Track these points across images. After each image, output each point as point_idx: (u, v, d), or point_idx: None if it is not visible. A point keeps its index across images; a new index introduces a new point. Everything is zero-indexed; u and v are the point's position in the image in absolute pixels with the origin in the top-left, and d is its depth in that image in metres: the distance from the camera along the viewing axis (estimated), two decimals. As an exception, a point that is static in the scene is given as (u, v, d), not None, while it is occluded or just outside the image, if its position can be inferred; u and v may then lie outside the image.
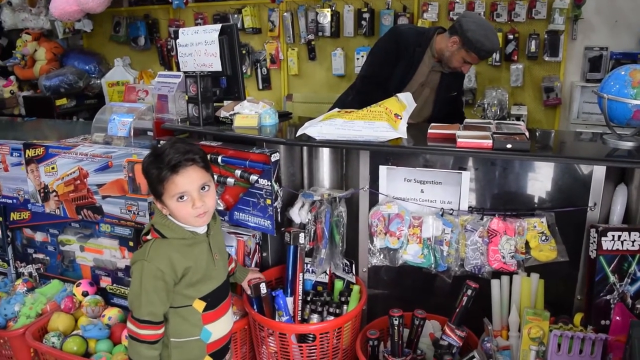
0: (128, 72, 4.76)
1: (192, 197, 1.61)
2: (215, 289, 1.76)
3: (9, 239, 2.86)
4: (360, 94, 2.94)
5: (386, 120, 2.08)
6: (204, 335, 1.74)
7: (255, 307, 2.19)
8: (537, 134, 2.39)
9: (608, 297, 1.88)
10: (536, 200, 2.03)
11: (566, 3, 3.60)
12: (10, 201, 2.77)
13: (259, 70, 4.69)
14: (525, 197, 2.05)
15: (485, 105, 3.91)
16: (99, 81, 4.86)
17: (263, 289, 2.11)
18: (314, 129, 2.14)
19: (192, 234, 1.69)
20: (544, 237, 1.96)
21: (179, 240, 1.67)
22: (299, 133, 2.17)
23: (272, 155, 2.14)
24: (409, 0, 4.09)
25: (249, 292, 2.12)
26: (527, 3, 3.74)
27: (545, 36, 3.73)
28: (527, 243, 1.99)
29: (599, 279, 1.87)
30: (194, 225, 1.68)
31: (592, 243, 1.88)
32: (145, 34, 4.89)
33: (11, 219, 2.82)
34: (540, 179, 2.02)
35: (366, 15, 4.15)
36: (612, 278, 1.87)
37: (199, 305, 1.72)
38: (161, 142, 1.69)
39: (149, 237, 1.68)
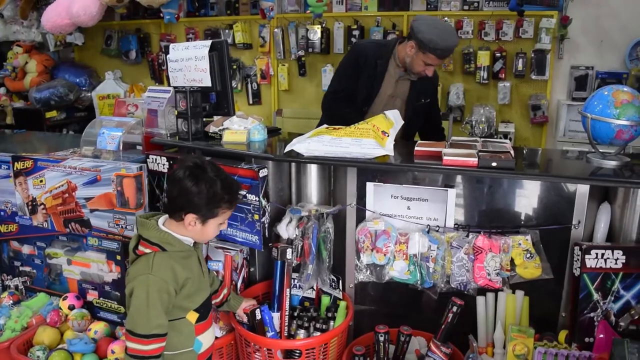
0: (119, 86, 4.77)
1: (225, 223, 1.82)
2: (206, 299, 1.83)
3: (-5, 252, 2.84)
4: (327, 110, 2.96)
5: (373, 138, 2.10)
6: (197, 346, 1.80)
7: (246, 326, 2.20)
8: (524, 152, 2.42)
9: (592, 314, 1.90)
10: (521, 217, 2.06)
11: (553, 23, 3.68)
12: (-3, 214, 2.76)
13: (249, 85, 4.73)
14: (510, 215, 2.07)
15: (473, 123, 3.96)
16: (89, 94, 4.87)
17: (258, 315, 2.13)
18: (302, 146, 2.16)
19: (189, 247, 1.76)
20: (528, 255, 1.98)
21: (177, 253, 1.72)
22: (287, 149, 2.19)
23: (260, 171, 2.16)
24: (398, 17, 4.16)
25: (245, 319, 2.13)
26: (514, 22, 3.82)
27: (532, 55, 3.81)
28: (512, 260, 2.01)
29: (582, 297, 1.90)
30: (201, 242, 1.84)
31: (576, 261, 1.91)
32: (136, 47, 4.92)
33: (-2, 232, 2.80)
34: (525, 197, 2.05)
35: (356, 32, 4.21)
36: (596, 296, 1.89)
37: (193, 316, 1.77)
38: (200, 161, 1.73)
39: (147, 250, 1.70)
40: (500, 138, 3.90)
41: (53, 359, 2.27)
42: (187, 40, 4.73)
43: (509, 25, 3.83)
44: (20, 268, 2.80)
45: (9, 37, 4.73)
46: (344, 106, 2.85)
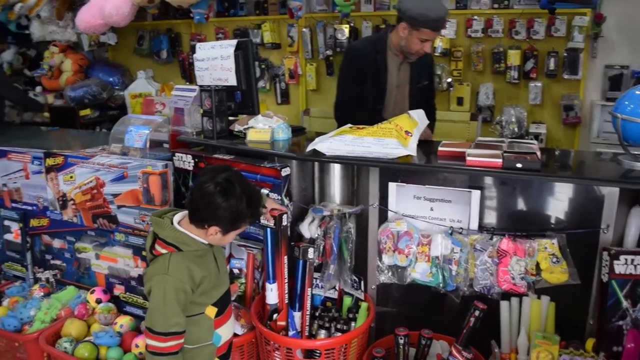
0: (150, 85, 4.83)
1: None
2: (224, 294, 1.86)
3: (28, 244, 2.92)
4: (340, 120, 2.88)
5: (396, 137, 2.08)
6: (216, 339, 1.83)
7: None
8: (553, 153, 2.36)
9: (620, 322, 1.84)
10: (547, 220, 2.01)
11: (586, 21, 3.57)
12: (30, 208, 2.84)
13: (277, 84, 4.74)
14: (536, 218, 2.02)
15: (503, 123, 3.88)
16: (122, 93, 4.96)
17: (284, 220, 2.11)
18: (324, 145, 2.16)
19: (204, 246, 1.77)
20: (555, 259, 1.93)
21: (193, 252, 1.74)
22: (309, 148, 2.19)
23: (283, 170, 2.16)
24: (427, 17, 4.09)
25: (271, 223, 2.09)
26: (546, 21, 3.72)
27: (565, 54, 3.70)
28: (537, 264, 1.96)
29: (611, 304, 1.84)
30: (215, 244, 1.82)
31: (604, 266, 1.85)
32: (167, 47, 4.99)
33: (31, 225, 2.88)
34: (551, 200, 1.99)
35: (384, 32, 4.17)
36: (625, 303, 1.83)
37: (211, 311, 1.80)
38: (229, 175, 1.71)
39: (163, 251, 1.73)
40: (531, 139, 3.81)
41: (79, 351, 2.33)
42: (217, 39, 4.77)
43: (541, 24, 3.73)
44: (51, 261, 2.89)
45: (46, 37, 4.86)
46: (356, 111, 2.82)
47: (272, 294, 2.18)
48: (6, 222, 2.92)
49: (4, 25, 4.79)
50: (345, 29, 4.27)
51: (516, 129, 3.87)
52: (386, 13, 4.22)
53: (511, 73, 3.90)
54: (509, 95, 4.03)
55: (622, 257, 1.80)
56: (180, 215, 1.78)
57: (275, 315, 2.19)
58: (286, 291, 2.19)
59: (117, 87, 5.01)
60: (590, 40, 3.68)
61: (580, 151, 3.08)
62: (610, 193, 1.87)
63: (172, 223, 1.74)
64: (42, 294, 2.75)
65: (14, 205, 2.88)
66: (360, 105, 2.85)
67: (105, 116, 4.97)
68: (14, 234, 2.91)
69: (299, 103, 4.76)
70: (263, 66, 4.70)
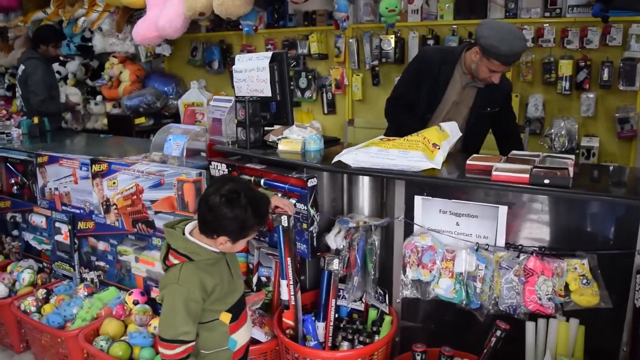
0: (202, 94, 5.01)
1: None
2: (238, 300, 1.87)
3: (75, 246, 3.09)
4: (389, 117, 2.94)
5: (422, 150, 2.05)
6: (231, 344, 1.84)
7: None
8: (599, 169, 2.24)
9: (655, 351, 1.73)
10: (578, 240, 1.91)
11: (644, 29, 3.38)
12: (78, 211, 3.01)
13: (324, 95, 4.77)
14: (566, 236, 1.93)
15: (553, 136, 3.72)
16: (176, 102, 5.16)
17: (284, 221, 2.11)
18: (350, 156, 2.16)
19: (216, 254, 1.78)
20: (585, 281, 1.83)
21: (204, 261, 1.76)
22: (334, 159, 2.20)
23: (309, 181, 2.18)
24: (475, 26, 4.00)
25: (271, 219, 2.10)
26: (600, 29, 3.55)
27: (621, 64, 3.51)
28: (567, 285, 1.87)
29: (644, 331, 1.73)
30: (226, 252, 1.83)
31: (637, 290, 1.74)
32: (219, 58, 5.14)
33: (78, 228, 3.05)
34: (583, 218, 1.90)
35: (430, 42, 4.12)
36: (661, 331, 1.72)
37: (226, 317, 1.82)
38: (234, 186, 1.72)
39: (175, 261, 1.76)
40: (583, 153, 3.65)
41: (114, 350, 2.44)
42: (267, 50, 4.87)
43: (595, 33, 3.56)
44: (96, 262, 3.04)
45: (107, 49, 5.15)
46: (404, 113, 2.81)
47: (284, 290, 2.21)
48: (57, 224, 3.11)
49: (59, 31, 5.01)
50: (391, 39, 4.25)
51: (566, 142, 3.70)
52: (433, 23, 4.17)
53: (562, 84, 3.73)
54: (560, 106, 3.86)
55: (657, 282, 1.69)
56: (192, 225, 1.80)
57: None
58: (292, 293, 2.20)
59: (171, 97, 5.21)
60: (648, 49, 3.48)
61: (621, 167, 2.87)
62: (647, 213, 1.77)
63: (183, 233, 1.76)
64: (85, 293, 2.89)
65: (64, 208, 3.06)
66: (410, 109, 2.83)
67: (159, 124, 5.09)
68: (63, 235, 3.09)
69: (344, 113, 4.78)
70: (310, 76, 4.76)
